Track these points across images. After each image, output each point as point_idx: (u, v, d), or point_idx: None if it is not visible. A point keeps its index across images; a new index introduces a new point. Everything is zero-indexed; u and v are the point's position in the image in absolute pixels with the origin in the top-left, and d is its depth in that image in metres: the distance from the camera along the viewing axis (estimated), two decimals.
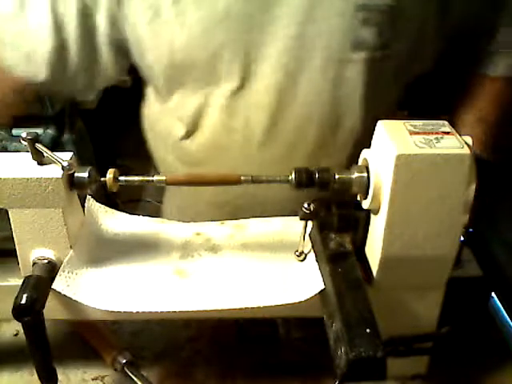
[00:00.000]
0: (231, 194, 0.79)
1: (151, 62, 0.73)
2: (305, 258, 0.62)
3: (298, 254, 0.62)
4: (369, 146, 0.57)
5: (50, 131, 1.29)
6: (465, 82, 0.81)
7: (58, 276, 0.57)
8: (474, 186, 0.52)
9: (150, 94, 0.82)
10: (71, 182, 0.55)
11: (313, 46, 0.68)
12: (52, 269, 0.58)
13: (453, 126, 0.55)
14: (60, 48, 0.70)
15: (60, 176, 0.53)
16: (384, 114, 0.60)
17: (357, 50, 0.68)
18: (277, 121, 0.73)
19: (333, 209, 0.59)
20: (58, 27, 0.69)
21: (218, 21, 0.67)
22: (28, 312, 0.53)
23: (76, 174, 0.55)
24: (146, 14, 0.68)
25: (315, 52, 0.68)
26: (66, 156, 0.54)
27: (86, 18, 0.69)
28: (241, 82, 0.71)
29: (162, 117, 0.81)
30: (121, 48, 0.73)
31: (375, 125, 0.55)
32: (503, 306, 0.77)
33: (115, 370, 0.70)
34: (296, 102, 0.71)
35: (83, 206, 0.64)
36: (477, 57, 0.79)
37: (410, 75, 0.77)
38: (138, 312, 0.56)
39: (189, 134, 0.78)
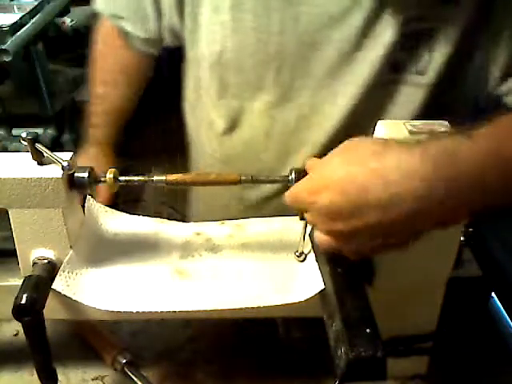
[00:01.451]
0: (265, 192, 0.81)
1: (202, 53, 0.76)
2: (305, 259, 0.62)
3: (298, 254, 0.62)
4: None
5: (50, 131, 1.29)
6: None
7: (57, 276, 0.57)
8: None
9: (193, 79, 0.84)
10: (71, 182, 0.55)
11: (355, 69, 0.68)
12: (52, 269, 0.58)
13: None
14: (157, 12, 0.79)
15: (60, 176, 0.53)
16: None
17: (394, 73, 0.68)
18: (314, 132, 0.74)
19: None
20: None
21: (272, 34, 0.69)
22: (28, 312, 0.53)
23: (76, 174, 0.55)
24: (206, 8, 0.71)
25: (355, 76, 0.69)
26: (65, 156, 0.54)
27: None
28: (283, 93, 0.73)
29: (204, 106, 0.83)
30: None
31: None
32: (503, 305, 0.77)
33: (115, 370, 0.70)
34: (332, 118, 0.73)
35: (83, 206, 0.64)
36: None
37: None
38: (137, 312, 0.56)
39: (227, 131, 0.81)
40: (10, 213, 0.56)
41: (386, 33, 0.65)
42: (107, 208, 0.70)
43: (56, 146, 1.31)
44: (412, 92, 0.69)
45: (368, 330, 0.46)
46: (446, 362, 0.67)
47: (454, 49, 0.66)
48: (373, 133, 0.56)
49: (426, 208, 0.44)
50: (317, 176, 0.49)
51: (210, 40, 0.74)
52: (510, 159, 0.43)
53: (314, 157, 0.54)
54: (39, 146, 0.54)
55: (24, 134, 0.53)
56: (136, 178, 0.58)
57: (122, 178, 0.57)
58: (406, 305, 0.59)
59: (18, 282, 0.56)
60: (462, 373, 0.69)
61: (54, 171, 0.54)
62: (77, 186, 0.55)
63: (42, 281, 0.55)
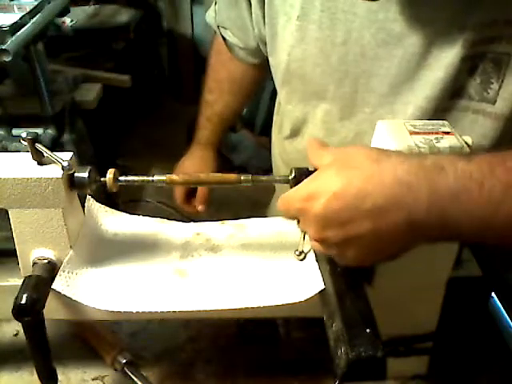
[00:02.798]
0: None
1: (275, 59, 0.79)
2: (305, 258, 0.62)
3: (297, 253, 0.62)
4: None
5: (50, 131, 1.28)
6: None
7: (57, 276, 0.57)
8: None
9: (273, 84, 0.87)
10: (71, 182, 0.55)
11: (415, 89, 0.67)
12: (52, 269, 0.58)
13: None
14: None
15: (60, 176, 0.53)
16: None
17: (457, 98, 0.66)
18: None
19: None
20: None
21: (335, 45, 0.70)
22: (28, 312, 0.53)
23: (76, 174, 0.55)
24: (282, 18, 0.74)
25: (416, 97, 0.68)
26: (66, 156, 0.54)
27: None
28: (344, 106, 0.74)
29: (278, 110, 0.89)
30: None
31: None
32: (503, 306, 0.77)
33: (115, 370, 0.70)
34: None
35: (83, 206, 0.64)
36: None
37: None
38: (137, 312, 0.56)
39: (291, 136, 0.84)
40: (10, 213, 0.56)
41: (449, 54, 0.63)
42: (107, 208, 0.70)
43: (56, 146, 1.31)
44: (479, 121, 0.67)
45: (368, 330, 0.46)
46: (446, 362, 0.67)
47: None
48: None
49: (413, 219, 0.44)
50: (311, 183, 0.49)
51: (281, 48, 0.76)
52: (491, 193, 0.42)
53: None
54: (39, 146, 0.54)
55: (24, 134, 0.53)
56: (136, 178, 0.58)
57: (121, 178, 0.57)
58: (405, 305, 0.59)
59: (18, 282, 0.56)
60: (461, 373, 0.69)
61: (54, 171, 0.54)
62: (77, 186, 0.55)
63: (42, 281, 0.55)
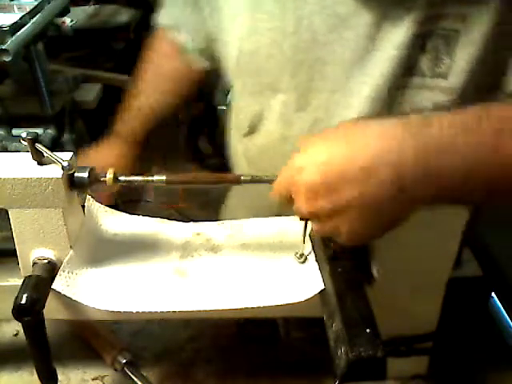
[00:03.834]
0: None
1: (224, 54, 0.78)
2: (305, 260, 0.62)
3: (298, 255, 0.62)
4: None
5: (50, 131, 1.28)
6: None
7: (57, 276, 0.57)
8: None
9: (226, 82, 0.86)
10: (71, 182, 0.55)
11: (369, 69, 0.67)
12: (52, 269, 0.58)
13: None
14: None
15: (60, 176, 0.53)
16: None
17: (410, 76, 0.66)
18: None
19: None
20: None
21: (287, 34, 0.69)
22: (28, 312, 0.53)
23: (76, 174, 0.55)
24: (230, 10, 0.73)
25: (369, 77, 0.67)
26: (65, 156, 0.54)
27: None
28: (300, 96, 0.73)
29: (232, 107, 0.85)
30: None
31: None
32: (503, 306, 0.77)
33: (115, 370, 0.70)
34: (344, 117, 0.71)
35: (83, 206, 0.64)
36: None
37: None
38: (137, 312, 0.56)
39: (249, 133, 0.82)
40: (10, 213, 0.56)
41: (399, 33, 0.64)
42: (107, 208, 0.70)
43: (56, 146, 1.31)
44: (434, 97, 0.67)
45: (368, 330, 0.46)
46: (446, 362, 0.67)
47: (481, 51, 0.63)
48: None
49: (400, 175, 0.44)
50: (298, 157, 0.50)
51: (230, 42, 0.75)
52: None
53: None
54: (39, 146, 0.54)
55: (24, 134, 0.53)
56: (136, 178, 0.58)
57: (121, 178, 0.57)
58: (405, 305, 0.59)
59: (18, 282, 0.56)
60: (461, 373, 0.69)
61: (54, 171, 0.54)
62: (77, 185, 0.55)
63: (41, 281, 0.55)
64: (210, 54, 0.84)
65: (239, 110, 0.82)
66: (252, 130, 0.81)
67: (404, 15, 0.63)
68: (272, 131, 0.77)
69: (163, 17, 0.88)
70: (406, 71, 0.66)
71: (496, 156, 0.45)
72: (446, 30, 0.63)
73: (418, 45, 0.64)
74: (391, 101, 0.68)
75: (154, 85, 0.92)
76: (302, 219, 0.57)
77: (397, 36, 0.64)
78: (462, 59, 0.63)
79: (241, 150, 0.86)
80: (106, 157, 0.92)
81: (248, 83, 0.77)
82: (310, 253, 0.62)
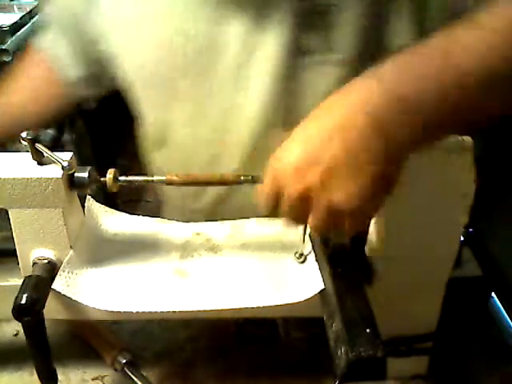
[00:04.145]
0: (205, 200, 0.78)
1: (125, 71, 0.74)
2: (305, 260, 0.62)
3: (297, 256, 0.62)
4: None
5: (50, 131, 1.28)
6: None
7: (57, 276, 0.57)
8: (473, 185, 0.52)
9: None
10: (71, 182, 0.55)
11: (258, 59, 0.67)
12: (52, 269, 0.58)
13: None
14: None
15: (60, 176, 0.53)
16: None
17: (301, 56, 0.66)
18: (235, 135, 0.72)
19: None
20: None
21: (177, 44, 0.68)
22: (28, 312, 0.53)
23: (76, 174, 0.55)
24: (118, 30, 0.72)
25: (261, 67, 0.67)
26: (65, 156, 0.54)
27: None
28: (198, 104, 0.72)
29: (142, 120, 0.82)
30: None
31: None
32: (503, 306, 0.77)
33: (115, 370, 0.70)
34: (250, 116, 0.70)
35: (83, 206, 0.64)
36: None
37: None
38: (138, 312, 0.56)
39: (156, 148, 0.80)
40: (9, 213, 0.56)
41: (279, 16, 0.64)
42: (107, 208, 0.70)
43: (56, 146, 1.31)
44: (328, 71, 0.67)
45: (368, 330, 0.46)
46: (446, 362, 0.67)
47: (365, 23, 0.64)
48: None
49: (373, 114, 0.45)
50: (275, 155, 0.49)
51: (130, 56, 0.73)
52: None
53: None
54: (39, 146, 0.54)
55: (24, 134, 0.53)
56: (136, 178, 0.58)
57: (121, 178, 0.57)
58: (405, 305, 0.59)
59: (18, 282, 0.56)
60: (462, 373, 0.69)
61: (54, 171, 0.54)
62: (77, 186, 0.55)
63: (41, 281, 0.55)
64: (96, 79, 0.81)
65: (145, 124, 0.80)
66: (161, 143, 0.79)
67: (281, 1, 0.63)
68: (180, 143, 0.76)
69: (44, 41, 0.82)
70: (296, 53, 0.65)
71: (446, 64, 0.47)
72: (325, 5, 0.63)
73: (302, 24, 0.64)
74: (288, 85, 0.67)
75: (18, 88, 0.84)
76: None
77: (279, 19, 0.64)
78: (346, 31, 0.64)
79: (154, 162, 0.84)
80: None
81: (151, 95, 0.75)
82: (309, 253, 0.62)
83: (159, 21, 0.69)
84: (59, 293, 0.56)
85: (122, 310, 0.56)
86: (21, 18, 1.13)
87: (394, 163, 0.46)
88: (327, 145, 0.45)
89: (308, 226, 0.59)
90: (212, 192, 0.76)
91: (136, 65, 0.73)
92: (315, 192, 0.46)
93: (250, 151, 0.71)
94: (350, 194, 0.45)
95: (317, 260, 0.59)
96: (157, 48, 0.70)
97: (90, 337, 0.73)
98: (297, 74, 0.67)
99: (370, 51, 0.65)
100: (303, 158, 0.46)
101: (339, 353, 0.46)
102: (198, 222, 0.71)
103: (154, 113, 0.76)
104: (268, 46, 0.65)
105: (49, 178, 0.53)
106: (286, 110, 0.68)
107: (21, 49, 1.06)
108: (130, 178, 0.57)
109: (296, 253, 0.63)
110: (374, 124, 0.44)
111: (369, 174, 0.45)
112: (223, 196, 0.76)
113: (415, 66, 0.47)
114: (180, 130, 0.75)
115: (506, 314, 0.76)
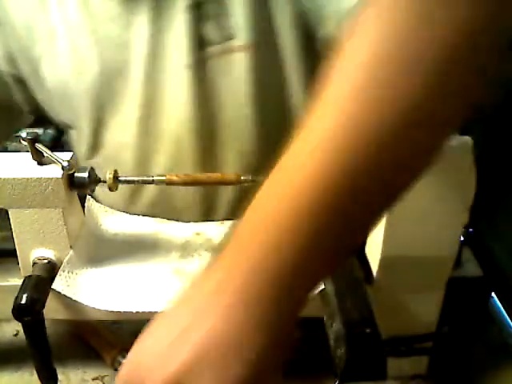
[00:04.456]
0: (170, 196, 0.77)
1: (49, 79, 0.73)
2: None
3: None
4: None
5: (50, 131, 1.28)
6: None
7: (57, 276, 0.57)
8: (473, 186, 0.52)
9: None
10: (71, 182, 0.55)
11: (165, 57, 0.67)
12: (52, 269, 0.58)
13: None
14: None
15: (60, 176, 0.53)
16: None
17: (204, 48, 0.66)
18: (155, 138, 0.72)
19: None
20: None
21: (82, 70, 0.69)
22: (28, 312, 0.53)
23: (76, 174, 0.55)
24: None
25: (167, 64, 0.67)
26: (65, 156, 0.54)
27: None
28: (117, 105, 0.71)
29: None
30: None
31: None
32: (503, 306, 0.77)
33: (115, 370, 0.69)
34: (166, 114, 0.70)
35: (83, 206, 0.64)
36: None
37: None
38: (137, 312, 0.56)
39: (89, 155, 0.78)
40: (9, 213, 0.56)
41: (174, 9, 0.65)
42: (107, 208, 0.70)
43: (56, 146, 1.31)
44: (236, 58, 0.67)
45: (368, 330, 0.46)
46: (446, 362, 0.67)
47: (255, 5, 0.65)
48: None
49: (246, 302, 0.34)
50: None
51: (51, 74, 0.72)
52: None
53: None
54: (39, 146, 0.54)
55: (24, 134, 0.53)
56: (136, 178, 0.58)
57: (122, 178, 0.57)
58: (405, 305, 0.59)
59: (18, 282, 0.56)
60: (462, 373, 0.69)
61: (54, 171, 0.54)
62: (77, 186, 0.55)
63: (41, 281, 0.55)
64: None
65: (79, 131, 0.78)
66: (94, 150, 0.77)
67: None
68: (109, 149, 0.76)
69: None
70: (201, 44, 0.66)
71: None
72: None
73: (199, 15, 0.65)
74: (200, 77, 0.67)
75: None
76: None
77: (175, 13, 0.65)
78: (240, 16, 0.65)
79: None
80: None
81: (79, 104, 0.73)
82: None
83: (76, 28, 0.69)
84: (59, 293, 0.56)
85: (121, 310, 0.56)
86: None
87: (285, 329, 0.37)
88: (193, 331, 0.34)
89: None
90: (147, 195, 0.76)
91: (58, 73, 0.71)
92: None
93: (175, 151, 0.71)
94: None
95: None
96: (75, 57, 0.69)
97: (90, 337, 0.73)
98: (206, 64, 0.67)
99: (268, 31, 0.66)
100: (168, 346, 0.36)
101: (339, 353, 0.46)
102: None
103: (84, 121, 0.74)
104: (172, 41, 0.66)
105: (49, 178, 0.53)
106: (203, 101, 0.68)
107: None
108: (130, 177, 0.57)
109: None
110: (239, 303, 0.34)
111: (248, 361, 0.34)
112: (157, 198, 0.75)
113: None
114: (108, 136, 0.74)
115: (505, 314, 0.76)
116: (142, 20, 0.66)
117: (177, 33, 0.66)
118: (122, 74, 0.69)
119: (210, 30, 0.66)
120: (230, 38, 0.66)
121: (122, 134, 0.73)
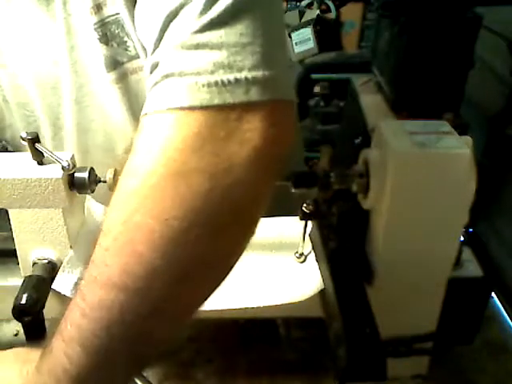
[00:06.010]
0: None
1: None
2: (305, 260, 0.62)
3: (297, 255, 0.62)
4: None
5: None
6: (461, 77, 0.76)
7: (57, 276, 0.57)
8: (473, 186, 0.52)
9: None
10: (71, 182, 0.55)
11: (71, 83, 0.68)
12: (52, 269, 0.58)
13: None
14: None
15: (60, 176, 0.53)
16: None
17: (112, 69, 0.67)
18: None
19: (333, 208, 0.59)
20: None
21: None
22: (28, 312, 0.53)
23: (76, 174, 0.55)
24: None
25: (75, 87, 0.68)
26: (65, 156, 0.54)
27: None
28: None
29: None
30: None
31: None
32: (503, 306, 0.77)
33: None
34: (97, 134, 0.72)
35: (83, 206, 0.64)
36: None
37: None
38: None
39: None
40: (9, 213, 0.56)
41: (83, 30, 0.65)
42: (107, 208, 0.70)
43: None
44: (142, 76, 0.68)
45: (368, 330, 0.46)
46: (446, 362, 0.67)
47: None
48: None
49: None
50: None
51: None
52: None
53: None
54: (39, 146, 0.54)
55: (24, 134, 0.53)
56: None
57: None
58: (406, 305, 0.59)
59: (18, 282, 0.56)
60: (462, 373, 0.69)
61: (54, 171, 0.54)
62: (77, 186, 0.55)
63: (41, 281, 0.55)
64: None
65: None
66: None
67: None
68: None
69: None
70: (106, 67, 0.66)
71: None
72: (109, 16, 0.64)
73: (102, 38, 0.65)
74: (124, 94, 0.68)
75: None
76: (302, 219, 0.57)
77: (83, 32, 0.65)
78: (135, 35, 0.64)
79: None
80: None
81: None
82: (309, 253, 0.62)
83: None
84: (59, 293, 0.56)
85: None
86: None
87: None
88: None
89: (308, 226, 0.60)
90: None
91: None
92: None
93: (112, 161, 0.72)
94: None
95: (317, 260, 0.59)
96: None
97: None
98: (127, 83, 0.68)
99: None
100: None
101: (339, 353, 0.46)
102: None
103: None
104: (90, 57, 0.67)
105: (49, 178, 0.53)
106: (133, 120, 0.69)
107: None
108: None
109: (296, 253, 0.62)
110: None
111: None
112: None
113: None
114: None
115: (505, 314, 0.76)
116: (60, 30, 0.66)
117: (91, 50, 0.66)
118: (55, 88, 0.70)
119: (116, 51, 0.67)
120: (134, 57, 0.67)
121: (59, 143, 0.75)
